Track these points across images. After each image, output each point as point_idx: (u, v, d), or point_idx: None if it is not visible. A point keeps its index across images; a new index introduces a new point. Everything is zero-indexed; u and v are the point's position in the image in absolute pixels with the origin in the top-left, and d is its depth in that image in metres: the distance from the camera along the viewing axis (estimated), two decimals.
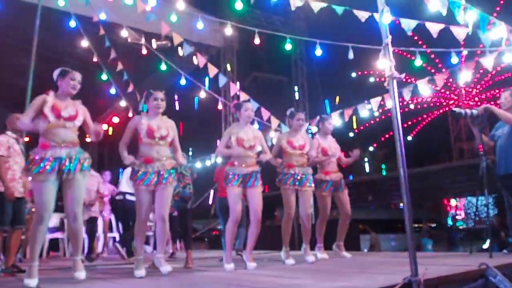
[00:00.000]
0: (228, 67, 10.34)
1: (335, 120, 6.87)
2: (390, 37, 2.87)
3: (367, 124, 22.15)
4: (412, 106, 23.40)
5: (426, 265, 2.88)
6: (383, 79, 2.85)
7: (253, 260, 4.06)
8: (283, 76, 13.07)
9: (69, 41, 7.32)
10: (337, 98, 19.34)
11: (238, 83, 9.44)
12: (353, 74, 24.49)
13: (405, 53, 10.14)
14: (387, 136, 23.59)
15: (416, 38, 11.23)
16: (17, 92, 5.92)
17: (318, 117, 5.16)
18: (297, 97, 11.11)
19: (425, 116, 26.31)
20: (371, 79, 23.34)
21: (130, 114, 8.70)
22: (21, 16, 6.48)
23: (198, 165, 10.22)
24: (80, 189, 3.32)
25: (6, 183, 4.23)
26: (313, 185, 4.60)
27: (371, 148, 26.83)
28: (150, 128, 3.72)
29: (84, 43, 7.40)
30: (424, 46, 11.14)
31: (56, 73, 3.45)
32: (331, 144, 5.02)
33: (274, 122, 7.49)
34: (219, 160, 6.97)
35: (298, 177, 4.50)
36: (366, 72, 23.29)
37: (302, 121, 4.78)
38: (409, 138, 25.00)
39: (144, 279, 3.48)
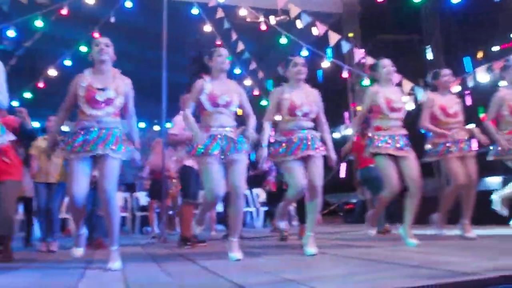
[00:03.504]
0: (350, 34, 10.17)
1: (483, 76, 6.34)
2: None
3: None
4: None
5: None
6: None
7: (413, 236, 3.93)
8: (412, 35, 12.40)
9: (195, 29, 7.90)
10: (480, 53, 17.56)
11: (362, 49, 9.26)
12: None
13: None
14: None
15: None
16: (153, 83, 6.67)
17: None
18: (430, 56, 10.48)
19: None
20: None
21: (256, 92, 9.16)
22: (150, 11, 7.18)
23: None
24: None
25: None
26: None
27: None
28: (292, 104, 3.72)
29: (207, 28, 7.93)
30: None
31: (206, 59, 3.69)
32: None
33: (407, 85, 7.26)
34: (348, 131, 7.01)
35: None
36: None
37: (450, 78, 4.56)
38: None
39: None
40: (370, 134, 4.17)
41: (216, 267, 2.89)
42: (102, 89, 3.17)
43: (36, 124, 3.86)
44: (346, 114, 10.59)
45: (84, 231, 3.50)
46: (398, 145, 4.00)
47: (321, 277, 2.47)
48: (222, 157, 3.44)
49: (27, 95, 7.25)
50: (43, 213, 5.52)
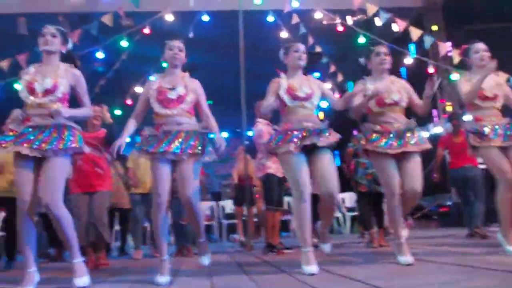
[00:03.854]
0: (434, 27, 9.69)
1: None
2: None
3: None
4: None
5: None
6: None
7: None
8: (507, 22, 11.48)
9: (270, 37, 7.97)
10: None
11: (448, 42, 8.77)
12: None
13: None
14: None
15: None
16: (233, 93, 6.80)
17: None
18: None
19: None
20: None
21: (337, 95, 9.01)
22: (226, 22, 7.34)
23: None
24: None
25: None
26: None
27: None
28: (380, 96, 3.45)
29: (283, 34, 7.95)
30: None
31: (281, 54, 3.56)
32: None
33: (502, 76, 6.75)
34: (438, 130, 6.65)
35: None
36: None
37: None
38: None
39: None
40: (470, 127, 3.67)
41: (304, 276, 2.84)
42: (173, 88, 3.23)
43: (127, 140, 4.07)
44: (434, 112, 10.07)
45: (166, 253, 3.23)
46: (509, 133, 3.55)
47: (415, 285, 2.33)
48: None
49: (117, 112, 7.72)
50: (137, 223, 5.82)
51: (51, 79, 2.95)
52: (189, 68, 3.47)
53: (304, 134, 3.23)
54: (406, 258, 3.16)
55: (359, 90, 3.45)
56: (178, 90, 3.22)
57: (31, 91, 2.93)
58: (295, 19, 7.66)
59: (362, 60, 3.71)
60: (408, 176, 3.29)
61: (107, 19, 6.70)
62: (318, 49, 8.06)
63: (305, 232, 3.14)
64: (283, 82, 3.42)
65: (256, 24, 7.48)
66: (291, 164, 3.21)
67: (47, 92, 2.93)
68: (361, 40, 7.78)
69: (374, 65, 3.57)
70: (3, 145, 2.86)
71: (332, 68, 8.54)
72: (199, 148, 3.15)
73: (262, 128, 5.05)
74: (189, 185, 3.10)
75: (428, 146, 3.37)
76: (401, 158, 3.34)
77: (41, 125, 2.89)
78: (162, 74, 3.37)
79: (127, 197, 5.90)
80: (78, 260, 2.94)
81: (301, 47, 3.48)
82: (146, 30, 7.17)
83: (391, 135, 3.35)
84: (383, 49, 3.57)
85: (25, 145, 2.81)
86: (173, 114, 3.19)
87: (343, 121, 3.84)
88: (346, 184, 7.79)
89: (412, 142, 3.32)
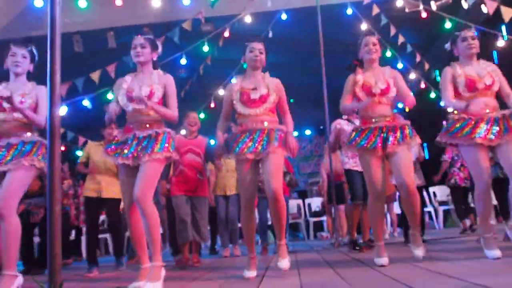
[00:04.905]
0: None
1: None
2: None
3: None
4: None
5: None
6: None
7: None
8: None
9: (349, 30, 7.83)
10: None
11: None
12: None
13: None
14: None
15: None
16: (314, 89, 6.79)
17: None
18: None
19: None
20: None
21: (423, 85, 8.66)
22: (305, 19, 7.33)
23: None
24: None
25: None
26: None
27: None
28: (469, 78, 3.34)
29: (363, 26, 7.77)
30: None
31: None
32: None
33: None
34: None
35: None
36: None
37: None
38: None
39: None
40: None
41: (395, 273, 2.78)
42: (255, 88, 3.33)
43: (212, 142, 4.25)
44: None
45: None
46: None
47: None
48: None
49: (202, 115, 8.00)
50: (223, 223, 6.05)
51: (147, 87, 3.13)
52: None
53: (384, 131, 3.31)
54: (494, 252, 3.09)
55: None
56: (261, 90, 3.31)
57: (130, 99, 3.11)
58: (375, 10, 7.45)
59: (447, 45, 3.57)
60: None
61: (187, 26, 6.97)
62: (401, 38, 7.79)
63: (378, 228, 3.45)
64: (358, 79, 3.45)
65: (335, 19, 7.39)
66: (368, 163, 3.35)
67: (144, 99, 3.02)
68: (448, 25, 7.40)
69: (461, 50, 3.45)
70: (110, 153, 3.10)
71: (418, 58, 8.20)
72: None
73: (338, 127, 5.11)
74: (276, 177, 3.15)
75: None
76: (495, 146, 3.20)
77: (140, 136, 3.05)
78: (243, 76, 3.48)
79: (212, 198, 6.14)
80: (159, 264, 2.96)
81: (371, 38, 3.50)
82: (226, 33, 7.36)
83: (486, 124, 3.20)
84: (469, 33, 3.43)
85: (128, 155, 3.01)
86: (256, 114, 3.29)
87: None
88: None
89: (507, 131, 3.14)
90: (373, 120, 3.39)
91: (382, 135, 3.33)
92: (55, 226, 2.04)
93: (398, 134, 3.32)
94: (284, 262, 3.18)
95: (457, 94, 3.38)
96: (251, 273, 3.23)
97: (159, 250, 3.00)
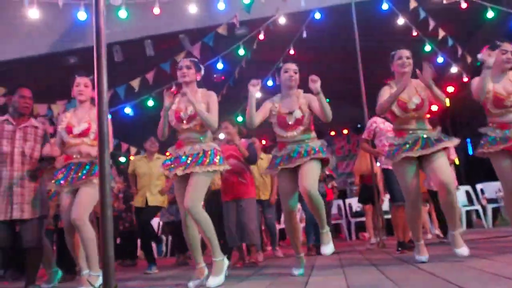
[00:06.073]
0: None
1: None
2: None
3: None
4: None
5: None
6: None
7: None
8: None
9: (385, 26, 7.69)
10: None
11: None
12: None
13: None
14: None
15: None
16: (352, 88, 6.71)
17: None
18: None
19: None
20: None
21: (465, 79, 8.38)
22: (339, 17, 7.26)
23: None
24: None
25: None
26: None
27: None
28: (496, 96, 3.49)
29: (400, 20, 7.61)
30: None
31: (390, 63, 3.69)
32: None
33: None
34: None
35: None
36: None
37: None
38: None
39: None
40: None
41: (445, 273, 2.69)
42: (290, 113, 3.54)
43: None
44: None
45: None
46: None
47: None
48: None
49: (239, 118, 8.04)
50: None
51: (192, 108, 3.37)
52: None
53: (418, 144, 3.39)
54: None
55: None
56: (295, 114, 3.53)
57: (179, 119, 3.42)
58: (413, 4, 7.28)
59: (480, 56, 3.54)
60: None
61: (222, 30, 7.02)
62: (441, 33, 7.58)
63: (417, 230, 3.56)
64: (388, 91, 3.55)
65: (370, 14, 7.27)
66: (403, 173, 3.46)
67: (190, 118, 3.38)
68: (490, 14, 7.15)
69: (497, 62, 3.45)
70: (166, 169, 3.40)
71: (459, 51, 7.94)
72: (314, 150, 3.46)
73: (374, 126, 5.11)
74: (308, 178, 3.33)
75: None
76: None
77: (190, 153, 3.34)
78: (280, 96, 3.67)
79: None
80: (219, 259, 3.32)
81: (405, 52, 3.55)
82: (261, 36, 7.37)
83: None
84: (509, 46, 3.46)
85: (179, 168, 3.30)
86: (293, 136, 3.53)
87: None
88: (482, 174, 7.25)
89: None
90: (410, 132, 3.46)
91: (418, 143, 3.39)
92: (107, 230, 2.13)
93: (432, 139, 3.40)
94: (326, 248, 3.44)
95: (486, 109, 3.54)
96: (298, 271, 3.49)
97: (218, 248, 3.33)
